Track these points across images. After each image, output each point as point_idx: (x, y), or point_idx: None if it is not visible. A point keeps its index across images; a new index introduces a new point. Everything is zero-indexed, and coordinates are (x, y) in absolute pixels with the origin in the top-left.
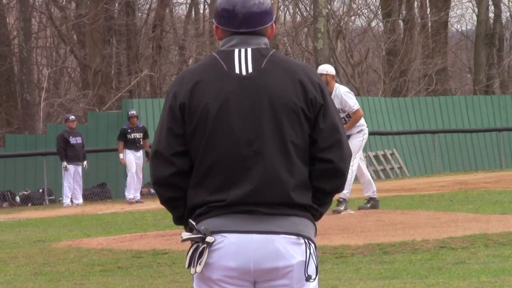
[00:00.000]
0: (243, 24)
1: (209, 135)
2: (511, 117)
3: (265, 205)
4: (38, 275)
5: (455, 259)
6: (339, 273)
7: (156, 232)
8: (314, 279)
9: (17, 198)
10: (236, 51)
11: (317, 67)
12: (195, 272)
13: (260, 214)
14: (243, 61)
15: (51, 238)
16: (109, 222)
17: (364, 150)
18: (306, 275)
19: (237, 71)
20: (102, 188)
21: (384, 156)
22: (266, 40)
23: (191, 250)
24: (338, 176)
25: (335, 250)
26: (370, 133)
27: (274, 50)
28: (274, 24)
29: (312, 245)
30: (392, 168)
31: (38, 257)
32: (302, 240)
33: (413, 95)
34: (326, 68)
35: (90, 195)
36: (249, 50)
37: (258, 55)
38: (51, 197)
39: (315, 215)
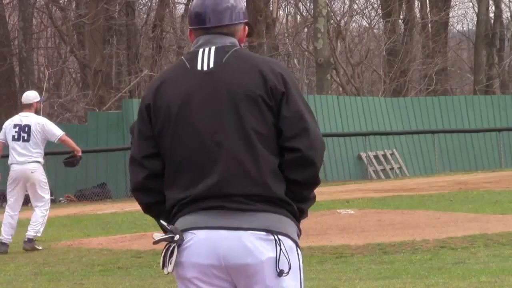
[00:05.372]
0: (210, 19)
1: (173, 133)
2: (511, 117)
3: (231, 199)
4: (38, 275)
5: (455, 259)
6: (339, 273)
7: (156, 232)
8: (287, 273)
9: None
10: (201, 50)
11: (317, 67)
12: (167, 272)
13: (228, 209)
14: (205, 58)
15: (51, 238)
16: (109, 222)
17: (364, 150)
18: (278, 270)
19: (199, 67)
20: (102, 188)
21: (384, 156)
22: (233, 39)
23: (164, 251)
24: (307, 165)
25: (335, 250)
26: (370, 133)
27: (239, 47)
28: (247, 26)
29: (284, 241)
30: (392, 168)
31: (38, 257)
32: (271, 236)
33: (413, 95)
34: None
35: (90, 195)
36: (213, 48)
37: (221, 52)
38: (51, 197)
39: (291, 210)
